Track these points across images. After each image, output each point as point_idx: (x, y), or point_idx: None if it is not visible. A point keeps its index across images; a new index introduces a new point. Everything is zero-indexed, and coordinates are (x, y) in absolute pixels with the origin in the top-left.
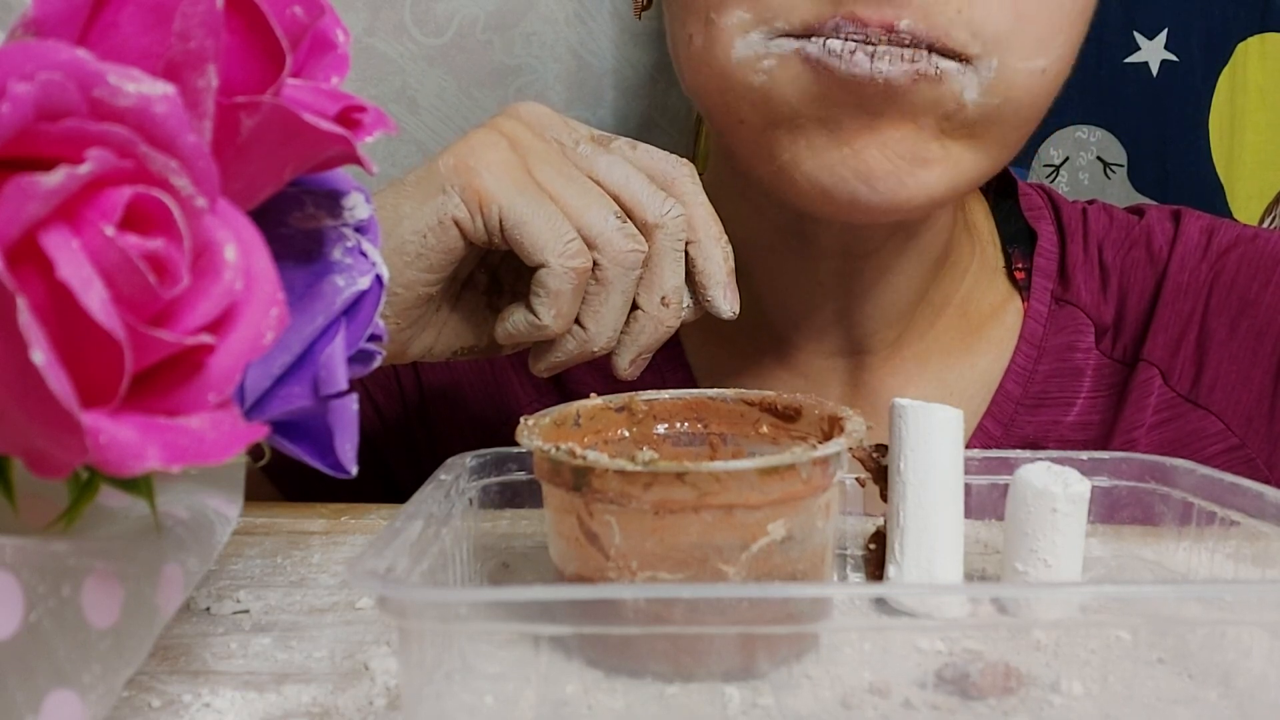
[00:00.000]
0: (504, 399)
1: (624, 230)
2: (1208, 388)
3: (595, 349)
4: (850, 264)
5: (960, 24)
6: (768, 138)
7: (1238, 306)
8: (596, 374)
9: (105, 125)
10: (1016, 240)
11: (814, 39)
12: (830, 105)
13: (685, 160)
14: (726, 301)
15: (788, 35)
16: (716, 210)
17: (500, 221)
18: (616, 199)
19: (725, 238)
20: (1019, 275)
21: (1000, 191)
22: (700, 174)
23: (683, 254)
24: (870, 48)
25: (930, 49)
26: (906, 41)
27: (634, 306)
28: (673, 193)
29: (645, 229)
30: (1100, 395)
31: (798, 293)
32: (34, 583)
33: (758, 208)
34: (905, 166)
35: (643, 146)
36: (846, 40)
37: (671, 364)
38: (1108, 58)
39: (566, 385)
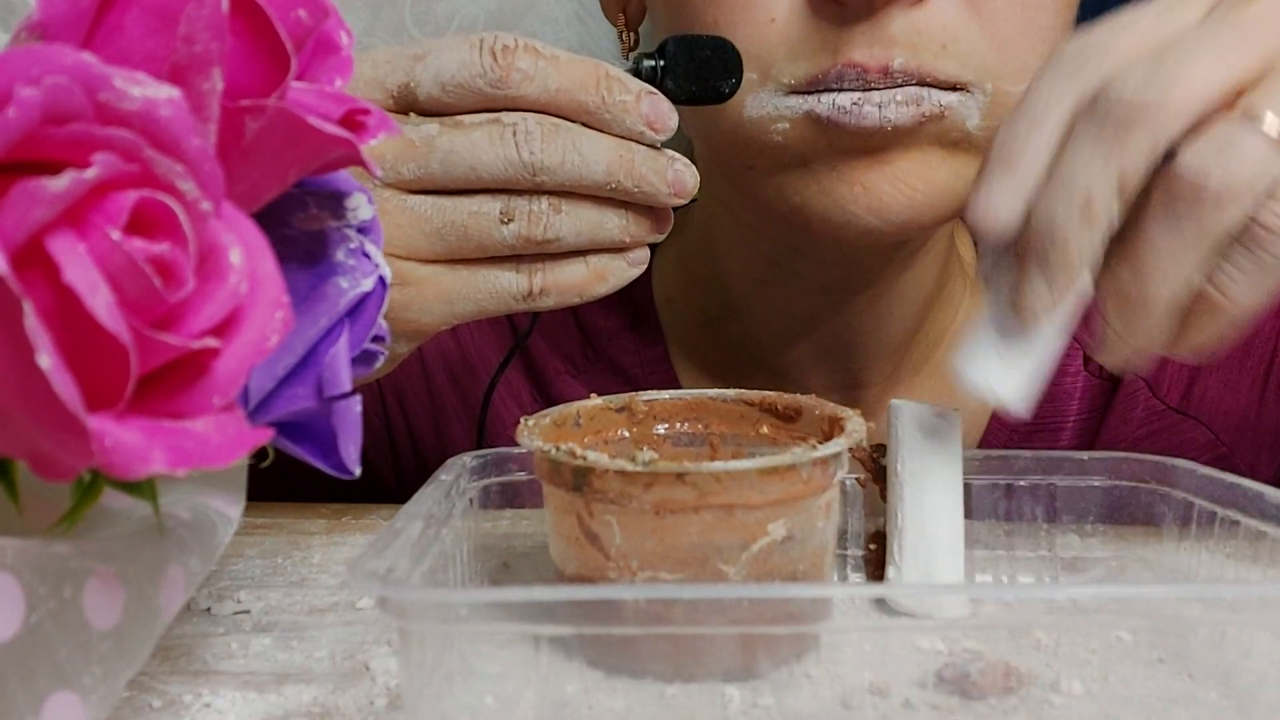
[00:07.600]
0: (471, 373)
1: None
2: (1197, 397)
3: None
4: (843, 298)
5: (946, 57)
6: (777, 181)
7: None
8: (567, 361)
9: (111, 129)
10: None
11: (822, 96)
12: (840, 152)
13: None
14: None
15: (795, 92)
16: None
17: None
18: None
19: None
20: None
21: None
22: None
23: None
24: (876, 95)
25: (922, 84)
26: (900, 81)
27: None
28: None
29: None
30: (1087, 416)
31: (790, 327)
32: (35, 584)
33: (749, 241)
34: (915, 194)
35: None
36: (850, 92)
37: None
38: None
39: (538, 368)
